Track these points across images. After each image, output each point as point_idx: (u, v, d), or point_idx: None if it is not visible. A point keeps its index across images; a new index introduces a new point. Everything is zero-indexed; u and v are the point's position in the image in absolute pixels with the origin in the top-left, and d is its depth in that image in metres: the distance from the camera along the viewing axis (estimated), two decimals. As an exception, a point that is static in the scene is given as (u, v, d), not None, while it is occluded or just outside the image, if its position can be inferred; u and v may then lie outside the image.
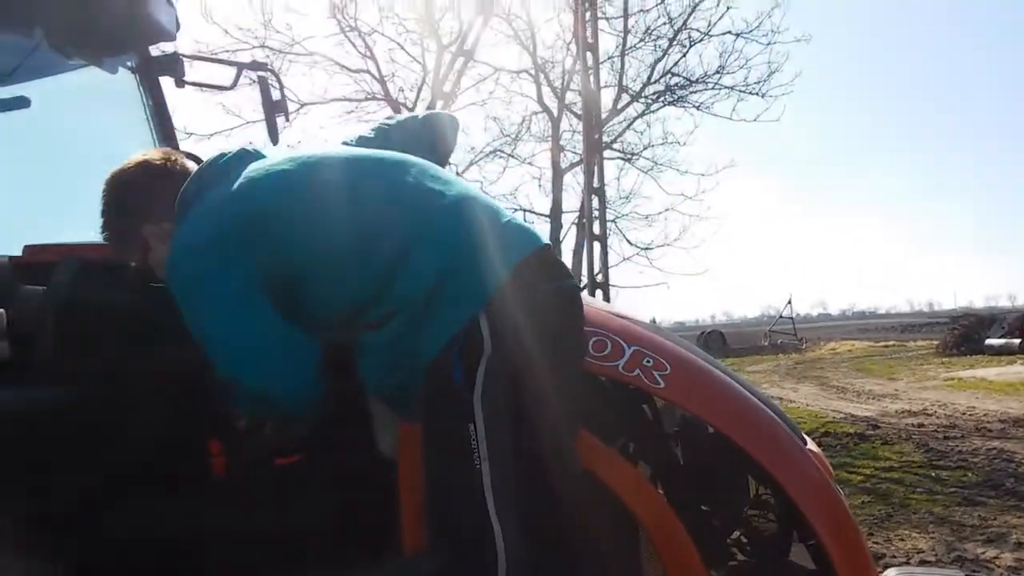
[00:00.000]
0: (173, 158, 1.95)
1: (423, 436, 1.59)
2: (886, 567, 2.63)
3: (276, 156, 1.78)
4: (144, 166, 1.92)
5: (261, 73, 3.41)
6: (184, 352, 1.92)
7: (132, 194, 1.89)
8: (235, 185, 1.69)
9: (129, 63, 3.15)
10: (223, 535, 1.86)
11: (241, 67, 3.42)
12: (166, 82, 3.21)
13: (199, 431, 1.94)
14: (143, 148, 3.19)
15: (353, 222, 1.64)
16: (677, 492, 1.87)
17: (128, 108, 3.23)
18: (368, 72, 13.59)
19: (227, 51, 11.70)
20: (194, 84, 3.27)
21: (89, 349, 1.88)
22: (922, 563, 4.26)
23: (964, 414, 10.14)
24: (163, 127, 3.22)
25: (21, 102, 3.10)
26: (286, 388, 1.65)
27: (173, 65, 3.14)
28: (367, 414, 1.83)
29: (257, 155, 1.80)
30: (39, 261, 2.01)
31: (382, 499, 1.77)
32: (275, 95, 3.42)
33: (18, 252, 2.23)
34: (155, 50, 3.16)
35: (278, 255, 1.64)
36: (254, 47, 12.22)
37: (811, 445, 1.93)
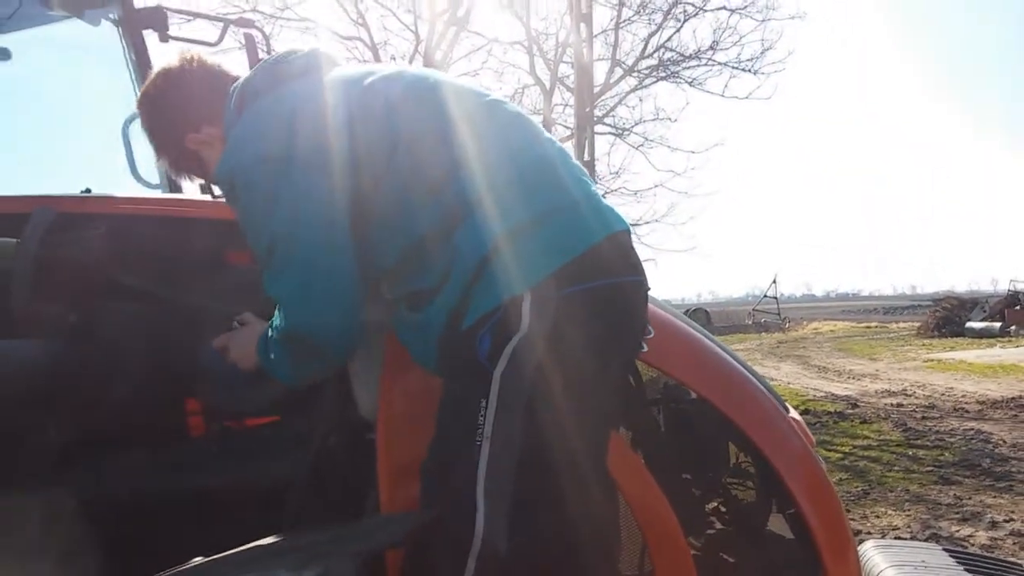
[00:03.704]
0: (189, 56, 1.83)
1: (440, 400, 1.53)
2: (861, 542, 2.65)
3: (367, 67, 1.67)
4: (163, 75, 1.81)
5: (248, 31, 3.34)
6: (160, 307, 1.91)
7: (163, 108, 1.80)
8: (325, 87, 1.58)
9: (112, 15, 3.09)
10: (199, 493, 1.84)
11: (227, 23, 3.34)
12: (149, 36, 3.15)
13: (176, 388, 1.91)
14: (124, 103, 3.17)
15: (440, 155, 1.51)
16: (658, 459, 1.86)
17: (110, 62, 3.17)
18: (360, 40, 13.43)
19: (217, 12, 11.51)
20: (178, 39, 3.20)
21: (61, 302, 1.84)
22: (897, 539, 4.31)
23: (943, 395, 10.25)
24: (145, 82, 3.16)
25: (1, 54, 3.04)
26: (343, 323, 1.55)
27: (157, 18, 3.08)
28: (347, 374, 1.81)
29: (333, 60, 1.71)
30: (12, 212, 1.97)
31: (360, 459, 1.76)
32: (262, 55, 3.35)
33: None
34: (139, 2, 3.10)
35: (359, 173, 1.51)
36: (245, 11, 12.03)
37: (793, 413, 1.93)
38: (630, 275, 1.57)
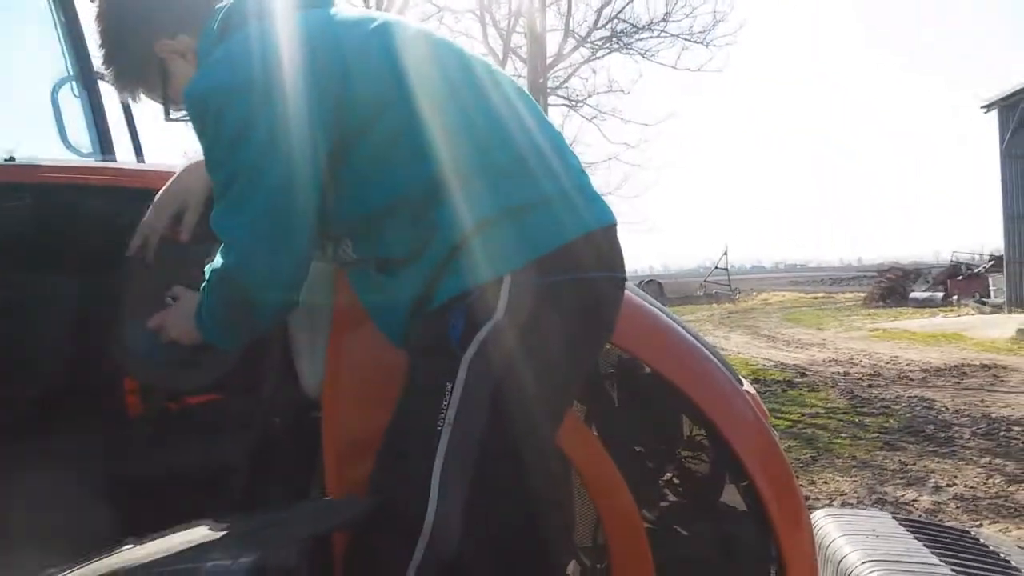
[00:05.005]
0: None
1: (404, 380, 1.47)
2: (811, 509, 2.68)
3: (369, 12, 1.57)
4: None
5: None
6: (90, 282, 1.81)
7: (133, 3, 1.61)
8: (323, 23, 1.47)
9: (38, -25, 2.93)
10: (134, 477, 1.77)
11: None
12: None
13: (109, 368, 1.83)
14: (53, 72, 3.02)
15: (427, 127, 1.42)
16: (611, 433, 1.84)
17: (39, 27, 3.02)
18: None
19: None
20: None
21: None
22: (844, 505, 4.40)
23: (888, 363, 10.51)
24: (77, 50, 3.00)
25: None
26: (287, 278, 1.45)
27: (87, -22, 2.92)
28: (290, 349, 1.75)
29: None
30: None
31: (304, 439, 1.70)
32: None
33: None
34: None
35: (344, 123, 1.42)
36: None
37: (747, 386, 1.92)
38: (606, 271, 1.53)
